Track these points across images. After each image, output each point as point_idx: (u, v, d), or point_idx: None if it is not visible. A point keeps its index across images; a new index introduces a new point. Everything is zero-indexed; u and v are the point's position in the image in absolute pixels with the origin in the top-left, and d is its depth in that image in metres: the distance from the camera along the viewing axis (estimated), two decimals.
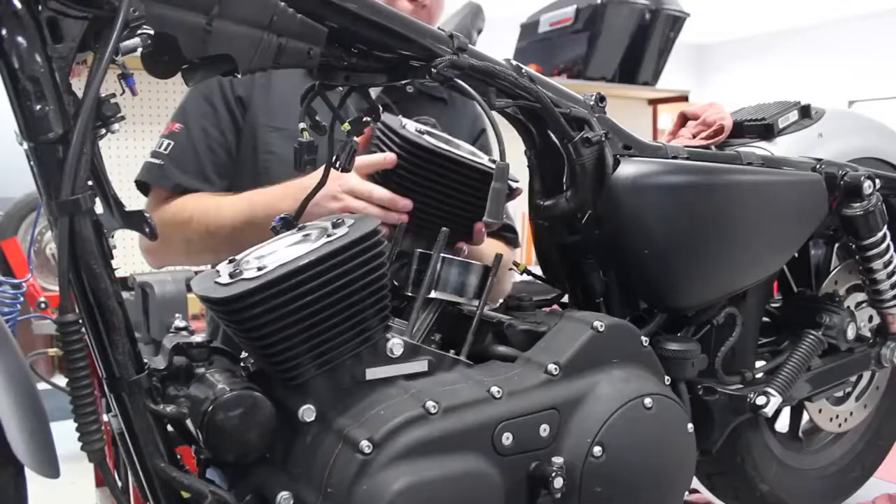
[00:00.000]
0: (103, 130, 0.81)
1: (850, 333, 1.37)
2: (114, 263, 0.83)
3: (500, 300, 1.18)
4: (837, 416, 1.51)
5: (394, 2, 1.42)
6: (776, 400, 1.19)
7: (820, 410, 1.48)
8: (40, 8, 0.75)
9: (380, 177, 1.15)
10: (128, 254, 2.95)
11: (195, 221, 1.33)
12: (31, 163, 0.79)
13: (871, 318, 1.48)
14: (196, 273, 2.44)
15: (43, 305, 2.68)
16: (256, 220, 1.23)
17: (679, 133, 1.45)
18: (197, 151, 1.42)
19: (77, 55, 0.78)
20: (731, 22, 8.65)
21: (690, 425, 1.04)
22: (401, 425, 0.84)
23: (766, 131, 1.40)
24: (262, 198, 1.26)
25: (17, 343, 0.91)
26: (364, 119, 1.03)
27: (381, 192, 1.12)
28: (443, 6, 1.56)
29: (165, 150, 1.42)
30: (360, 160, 1.11)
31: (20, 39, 0.74)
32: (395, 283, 1.08)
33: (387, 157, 1.12)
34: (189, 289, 2.50)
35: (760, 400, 1.19)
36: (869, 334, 1.47)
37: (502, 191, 0.91)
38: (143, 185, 1.47)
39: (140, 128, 3.03)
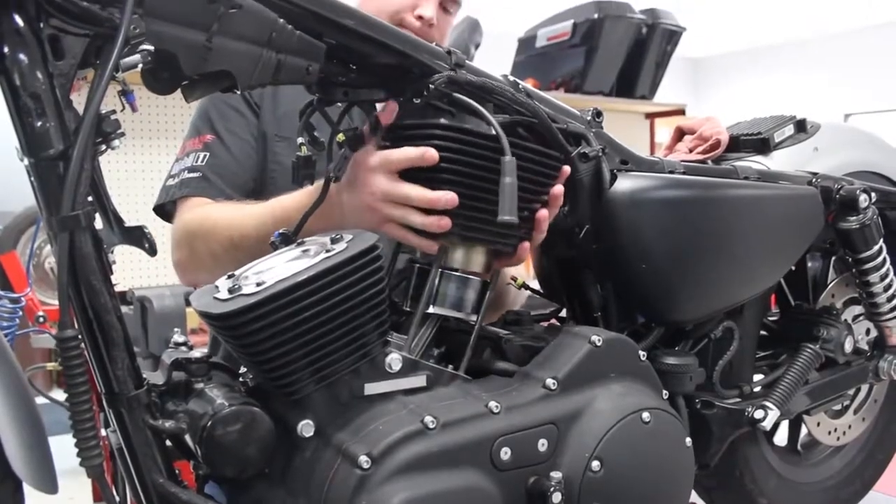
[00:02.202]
0: (104, 146, 0.81)
1: (848, 346, 1.38)
2: (112, 278, 0.83)
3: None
4: (836, 430, 1.51)
5: (402, 20, 1.41)
6: (774, 413, 1.20)
7: (818, 424, 1.48)
8: (42, 25, 0.76)
9: (404, 176, 0.99)
10: (126, 268, 2.96)
11: (219, 232, 1.25)
12: (32, 178, 0.79)
13: (868, 331, 1.48)
14: (195, 287, 2.44)
15: (41, 319, 2.67)
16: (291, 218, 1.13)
17: (676, 147, 1.45)
18: (237, 159, 1.38)
19: (78, 72, 0.79)
20: (727, 35, 8.69)
21: (689, 439, 1.04)
22: (399, 440, 0.84)
23: (763, 145, 1.41)
24: (286, 206, 1.15)
25: (15, 357, 0.91)
26: (362, 133, 1.03)
27: (419, 192, 0.96)
28: (451, 24, 1.55)
29: (203, 162, 1.36)
30: (389, 154, 0.98)
31: (22, 56, 0.75)
32: (395, 298, 1.08)
33: (426, 153, 0.95)
34: (188, 303, 2.50)
35: (758, 414, 1.19)
36: (866, 347, 1.47)
37: (513, 185, 0.91)
38: (160, 210, 1.40)
39: (139, 143, 3.04)
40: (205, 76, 0.86)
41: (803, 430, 1.50)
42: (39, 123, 0.76)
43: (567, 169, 1.05)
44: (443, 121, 0.97)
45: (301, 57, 0.89)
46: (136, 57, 0.80)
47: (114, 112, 0.81)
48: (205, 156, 1.37)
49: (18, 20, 0.75)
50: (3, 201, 3.70)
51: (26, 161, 0.78)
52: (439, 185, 0.95)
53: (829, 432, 1.50)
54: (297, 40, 0.88)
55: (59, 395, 1.39)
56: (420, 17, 1.41)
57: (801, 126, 1.46)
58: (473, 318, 1.01)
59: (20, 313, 2.50)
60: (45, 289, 3.66)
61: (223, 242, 1.22)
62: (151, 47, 0.80)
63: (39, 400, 0.98)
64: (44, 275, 3.73)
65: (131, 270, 3.01)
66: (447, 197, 0.95)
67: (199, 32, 0.82)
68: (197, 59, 0.82)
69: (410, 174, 0.97)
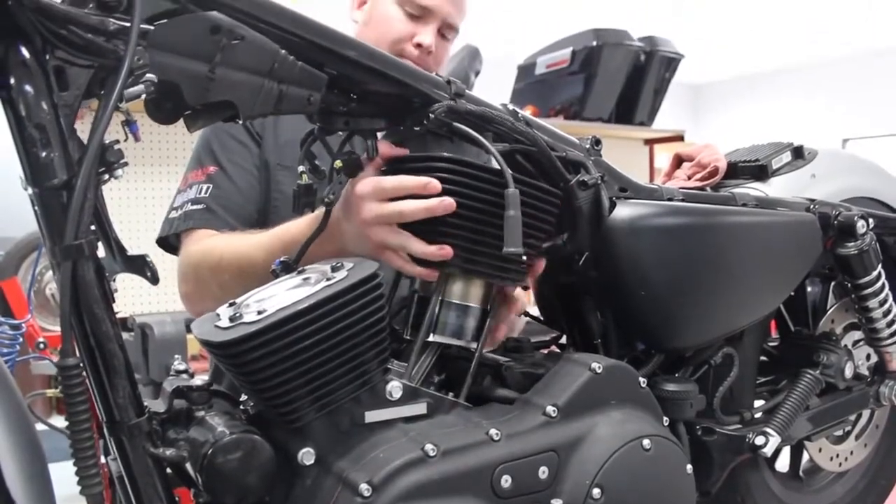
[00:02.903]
0: (107, 176, 0.82)
1: (848, 372, 1.38)
2: (114, 306, 0.84)
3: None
4: (838, 456, 1.50)
5: (402, 49, 1.42)
6: (775, 440, 1.19)
7: (820, 450, 1.47)
8: (48, 57, 0.77)
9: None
10: (127, 294, 2.96)
11: (226, 262, 1.25)
12: (36, 208, 0.79)
13: (868, 357, 1.48)
14: None
15: (42, 346, 2.67)
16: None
17: (674, 174, 1.46)
18: (240, 191, 1.38)
19: (82, 102, 0.80)
20: (725, 62, 8.76)
21: (689, 466, 1.04)
22: (400, 468, 0.84)
23: (760, 172, 1.42)
24: (293, 233, 1.15)
25: (16, 384, 0.92)
26: (360, 160, 1.04)
27: (412, 205, 0.96)
28: (449, 52, 1.56)
29: (206, 194, 1.37)
30: (381, 181, 0.98)
31: (28, 88, 0.76)
32: (395, 326, 1.09)
33: (429, 184, 0.94)
34: (188, 330, 2.50)
35: (759, 440, 1.19)
36: (867, 373, 1.47)
37: (517, 218, 0.92)
38: (163, 241, 1.41)
39: (141, 170, 3.05)
40: (207, 106, 0.87)
41: (805, 457, 1.49)
42: (44, 153, 0.77)
43: (541, 264, 1.07)
44: (445, 153, 0.98)
45: (302, 87, 0.90)
46: (140, 87, 0.81)
47: (117, 142, 0.82)
48: (208, 188, 1.37)
49: (25, 52, 0.76)
50: (4, 227, 3.71)
51: (30, 190, 0.79)
52: (440, 216, 0.95)
53: (831, 458, 1.49)
54: (298, 71, 0.89)
55: (59, 421, 1.39)
56: (419, 45, 1.43)
57: (798, 153, 1.47)
58: (474, 345, 1.02)
59: (21, 340, 2.49)
60: (45, 315, 3.65)
61: (231, 272, 1.22)
62: (155, 78, 0.81)
63: (39, 426, 0.99)
64: (45, 301, 3.73)
65: (132, 297, 3.01)
66: (446, 203, 0.94)
67: (202, 63, 0.83)
68: (200, 90, 0.83)
69: None
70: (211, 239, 1.32)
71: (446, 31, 1.49)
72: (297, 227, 1.13)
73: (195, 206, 1.36)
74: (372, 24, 1.49)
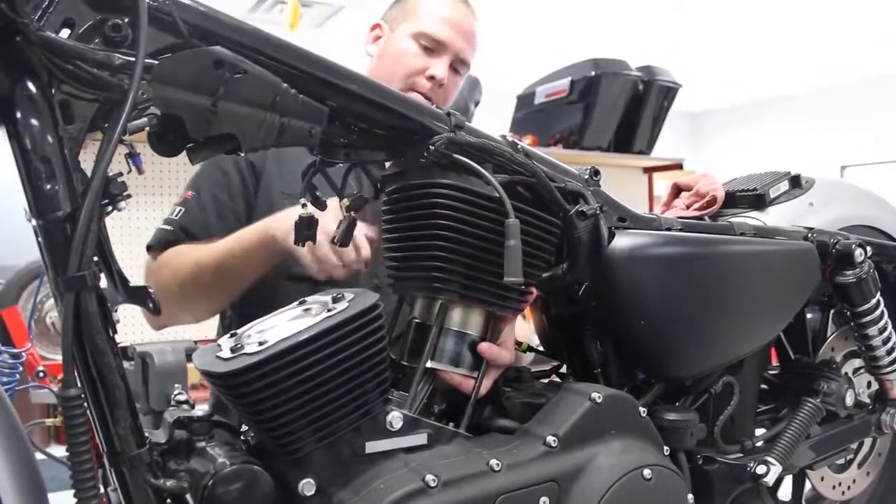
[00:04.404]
0: (110, 208, 0.83)
1: (849, 400, 1.37)
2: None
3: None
4: (840, 484, 1.50)
5: (414, 81, 1.50)
6: (776, 469, 1.19)
7: (822, 478, 1.47)
8: (53, 91, 0.78)
9: (401, 236, 1.04)
10: (128, 323, 2.96)
11: (186, 258, 1.36)
12: (39, 239, 0.80)
13: (869, 384, 1.48)
14: (196, 343, 2.44)
15: (41, 374, 2.67)
16: (245, 246, 1.30)
17: (673, 204, 1.47)
18: (207, 217, 1.45)
19: (87, 134, 0.81)
20: (723, 90, 8.82)
21: (691, 496, 1.04)
22: (401, 499, 0.84)
23: (758, 201, 1.43)
24: (249, 230, 1.33)
25: (16, 414, 0.92)
26: (363, 196, 1.05)
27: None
28: (459, 86, 1.61)
29: (177, 216, 1.45)
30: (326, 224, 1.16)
31: (34, 121, 0.77)
32: (391, 355, 1.09)
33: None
34: (189, 359, 2.50)
35: (760, 469, 1.19)
36: (868, 400, 1.47)
37: (517, 248, 0.92)
38: (151, 249, 1.49)
39: (143, 199, 3.07)
40: (210, 139, 0.87)
41: (807, 485, 1.49)
42: (48, 186, 0.77)
43: (533, 294, 1.10)
44: (444, 180, 0.99)
45: (304, 120, 0.91)
46: (143, 120, 0.82)
47: (120, 174, 0.83)
48: (181, 210, 1.46)
49: (31, 86, 0.76)
50: (5, 256, 3.72)
51: (34, 222, 0.79)
52: (438, 243, 0.97)
53: (834, 487, 1.49)
54: (300, 104, 0.90)
55: (58, 450, 1.38)
56: (431, 78, 1.47)
57: (795, 182, 1.48)
58: (474, 375, 1.02)
59: (21, 368, 2.49)
60: (45, 343, 3.65)
61: (189, 266, 1.34)
62: (158, 111, 0.82)
63: (38, 456, 0.98)
64: (45, 329, 3.72)
65: (132, 326, 3.01)
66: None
67: (205, 97, 0.83)
68: (202, 123, 0.84)
69: (405, 234, 1.01)
70: (172, 249, 1.43)
71: (458, 65, 1.56)
72: (245, 233, 1.31)
73: (165, 227, 1.46)
74: (387, 56, 1.56)
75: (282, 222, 1.25)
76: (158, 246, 1.45)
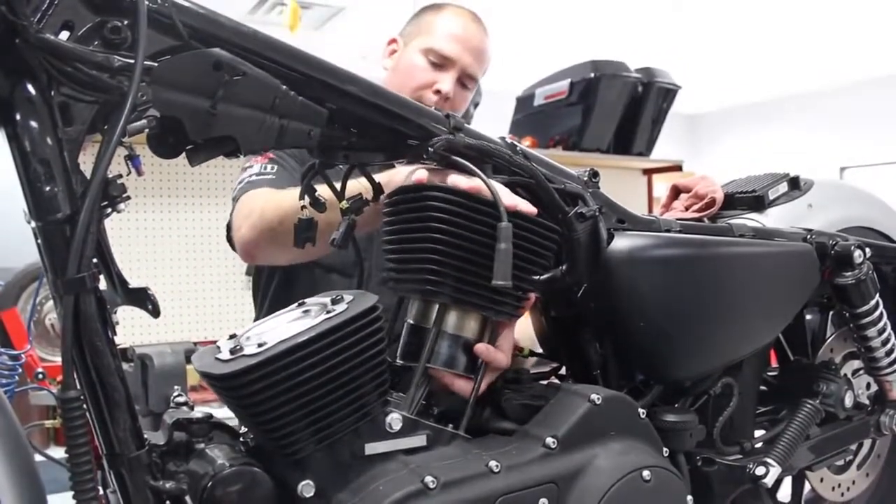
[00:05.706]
0: (109, 210, 0.83)
1: (848, 401, 1.38)
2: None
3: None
4: (840, 485, 1.50)
5: (422, 95, 1.54)
6: (775, 470, 1.19)
7: (822, 480, 1.47)
8: (53, 93, 0.78)
9: (398, 237, 1.02)
10: (127, 325, 2.96)
11: (274, 200, 1.32)
12: (38, 241, 0.80)
13: (868, 386, 1.48)
14: (195, 344, 2.45)
15: (40, 376, 2.66)
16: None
17: (672, 206, 1.48)
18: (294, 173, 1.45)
19: (86, 136, 0.81)
20: (722, 92, 8.83)
21: (690, 497, 1.03)
22: (400, 501, 0.84)
23: (757, 203, 1.43)
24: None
25: (15, 416, 0.92)
26: (363, 198, 1.05)
27: None
28: (467, 101, 1.64)
29: (272, 170, 1.45)
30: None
31: (33, 123, 0.77)
32: (388, 357, 1.09)
33: None
34: (188, 360, 2.50)
35: (760, 470, 1.19)
36: (867, 402, 1.47)
37: (508, 251, 0.92)
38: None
39: (142, 201, 3.07)
40: (209, 141, 0.88)
41: (807, 487, 1.49)
42: (48, 188, 0.77)
43: (532, 298, 1.08)
44: (439, 183, 0.99)
45: (303, 122, 0.91)
46: (143, 122, 0.82)
47: (120, 176, 0.83)
48: (272, 167, 1.45)
49: (31, 88, 0.77)
50: (4, 258, 3.72)
51: (33, 224, 0.80)
52: (432, 246, 0.96)
53: (833, 488, 1.49)
54: (299, 106, 0.90)
55: (57, 452, 1.38)
56: (438, 92, 1.51)
57: (794, 183, 1.48)
58: (471, 377, 1.02)
59: (20, 370, 2.49)
60: (44, 345, 3.65)
61: (277, 208, 1.28)
62: (157, 113, 0.82)
63: (37, 458, 0.98)
64: (44, 331, 3.73)
65: (132, 327, 3.01)
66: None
67: (204, 99, 0.84)
68: (202, 125, 0.84)
69: (401, 236, 1.00)
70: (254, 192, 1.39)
71: (466, 80, 1.62)
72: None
73: (261, 177, 1.43)
74: (398, 70, 1.64)
75: (395, 175, 1.16)
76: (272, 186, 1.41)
